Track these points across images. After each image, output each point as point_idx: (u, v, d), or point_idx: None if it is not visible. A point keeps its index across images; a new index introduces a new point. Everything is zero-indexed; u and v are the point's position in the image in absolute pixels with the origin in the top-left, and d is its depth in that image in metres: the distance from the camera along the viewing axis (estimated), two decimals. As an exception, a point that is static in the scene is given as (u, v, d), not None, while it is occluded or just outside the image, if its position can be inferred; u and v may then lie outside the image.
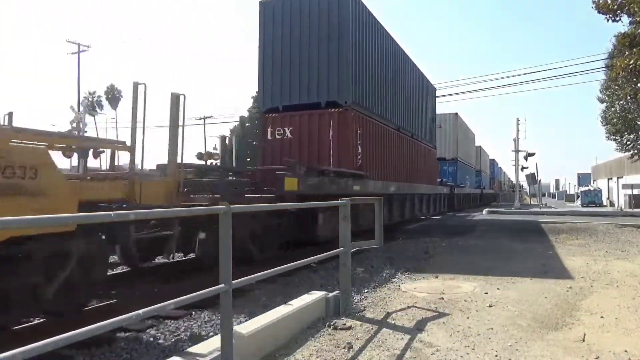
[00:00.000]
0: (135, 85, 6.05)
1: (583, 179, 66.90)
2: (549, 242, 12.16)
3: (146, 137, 6.23)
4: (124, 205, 5.68)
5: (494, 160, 57.30)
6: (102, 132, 52.44)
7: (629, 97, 23.16)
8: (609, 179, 48.56)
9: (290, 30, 10.85)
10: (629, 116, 27.09)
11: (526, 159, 39.22)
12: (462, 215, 25.81)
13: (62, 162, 6.52)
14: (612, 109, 28.82)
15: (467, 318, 4.90)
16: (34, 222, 2.82)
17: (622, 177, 42.11)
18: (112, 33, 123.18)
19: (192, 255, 7.92)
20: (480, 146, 43.01)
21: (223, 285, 3.17)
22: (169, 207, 5.97)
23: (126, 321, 2.47)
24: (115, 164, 7.02)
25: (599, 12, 15.09)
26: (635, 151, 28.30)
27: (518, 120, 39.84)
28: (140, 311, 2.52)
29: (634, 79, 19.44)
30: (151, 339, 4.69)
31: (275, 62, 10.95)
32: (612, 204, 44.03)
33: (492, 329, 4.53)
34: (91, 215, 3.05)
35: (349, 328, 4.54)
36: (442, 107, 23.63)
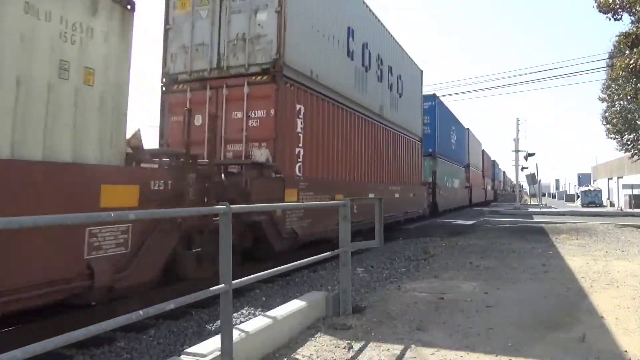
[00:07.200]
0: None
1: (583, 179, 66.98)
2: (549, 242, 12.16)
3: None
4: None
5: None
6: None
7: (628, 97, 23.21)
8: (609, 179, 48.57)
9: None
10: (629, 116, 27.13)
11: (526, 159, 39.24)
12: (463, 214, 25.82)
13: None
14: (613, 108, 28.86)
15: (467, 318, 4.91)
16: (35, 221, 2.82)
17: (622, 177, 42.14)
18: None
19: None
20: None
21: (223, 285, 3.18)
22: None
23: (126, 321, 2.48)
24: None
25: (600, 11, 15.11)
26: (636, 151, 28.32)
27: (518, 120, 39.89)
28: (140, 311, 2.53)
29: (634, 79, 19.48)
30: (151, 339, 4.70)
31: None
32: (612, 204, 44.04)
33: (492, 329, 4.53)
34: (92, 215, 3.07)
35: (349, 328, 4.54)
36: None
